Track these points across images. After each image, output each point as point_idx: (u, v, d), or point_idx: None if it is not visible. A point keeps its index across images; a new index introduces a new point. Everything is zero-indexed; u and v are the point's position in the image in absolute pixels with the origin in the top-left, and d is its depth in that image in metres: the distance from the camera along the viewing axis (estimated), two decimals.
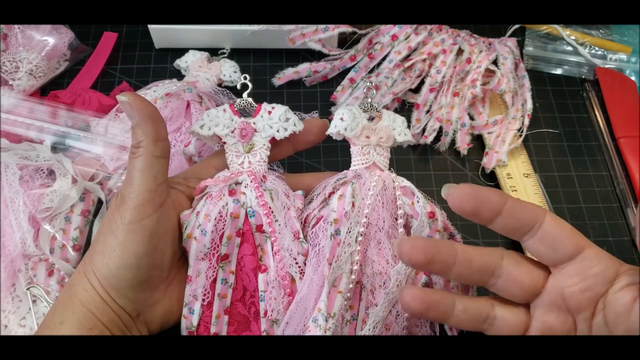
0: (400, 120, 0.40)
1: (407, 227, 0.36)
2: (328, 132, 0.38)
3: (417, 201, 0.36)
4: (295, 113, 0.49)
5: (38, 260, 0.41)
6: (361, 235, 0.35)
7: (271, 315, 0.34)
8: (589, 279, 0.30)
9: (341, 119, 0.37)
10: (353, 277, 0.34)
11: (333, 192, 0.36)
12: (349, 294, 0.34)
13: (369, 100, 0.41)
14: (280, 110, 0.37)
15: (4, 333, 0.39)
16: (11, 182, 0.41)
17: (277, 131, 0.37)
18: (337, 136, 0.38)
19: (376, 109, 0.40)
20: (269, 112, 0.37)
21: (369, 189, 0.36)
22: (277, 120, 0.37)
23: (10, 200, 0.41)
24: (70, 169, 0.43)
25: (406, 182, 0.37)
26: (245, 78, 0.39)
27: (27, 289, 0.40)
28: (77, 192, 0.43)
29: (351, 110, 0.38)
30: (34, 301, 0.40)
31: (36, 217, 0.41)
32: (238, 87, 0.39)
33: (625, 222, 0.48)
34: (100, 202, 0.44)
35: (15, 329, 0.39)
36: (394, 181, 0.37)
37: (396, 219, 0.36)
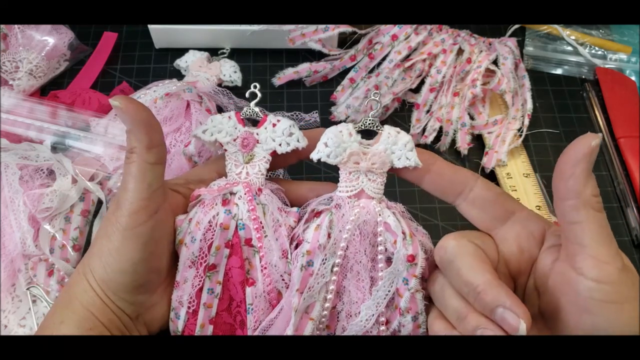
0: (403, 142, 0.34)
1: (389, 261, 0.34)
2: (311, 157, 0.35)
3: (402, 239, 0.33)
4: (295, 113, 0.49)
5: (38, 260, 0.41)
6: (337, 266, 0.33)
7: (256, 326, 0.34)
8: (522, 239, 0.32)
9: (325, 144, 0.34)
10: (327, 305, 0.33)
11: (318, 214, 0.35)
12: (323, 319, 0.34)
13: (370, 116, 0.36)
14: (285, 124, 0.36)
15: (4, 333, 0.39)
16: (11, 182, 0.41)
17: (280, 145, 0.36)
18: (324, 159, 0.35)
19: (377, 126, 0.36)
20: (274, 125, 0.36)
21: (347, 222, 0.34)
22: (280, 134, 0.36)
23: (10, 200, 0.41)
24: (70, 169, 0.43)
25: (391, 219, 0.34)
26: (255, 87, 0.38)
27: (27, 289, 0.40)
28: (77, 192, 0.43)
29: (340, 133, 0.34)
30: (33, 301, 0.40)
31: (36, 217, 0.41)
32: (247, 95, 0.38)
33: (625, 222, 0.48)
34: (100, 202, 0.44)
35: (15, 329, 0.39)
36: (379, 215, 0.34)
37: (378, 254, 0.34)
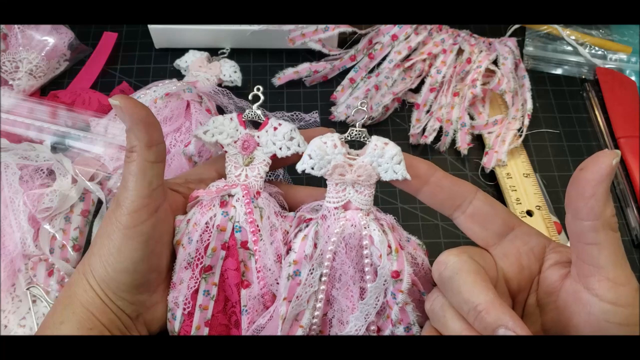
0: (391, 154, 0.33)
1: (376, 274, 0.34)
2: (296, 168, 0.34)
3: (387, 254, 0.32)
4: (295, 113, 0.49)
5: (38, 260, 0.41)
6: (325, 275, 0.33)
7: (249, 327, 0.34)
8: (523, 255, 0.31)
9: (309, 155, 0.33)
10: (317, 313, 0.34)
11: (307, 221, 0.35)
12: (314, 327, 0.34)
13: (356, 127, 0.35)
14: (286, 128, 0.36)
15: (4, 333, 0.39)
16: (11, 182, 0.41)
17: (280, 149, 0.36)
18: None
19: (363, 137, 0.34)
20: (275, 128, 0.36)
21: (332, 234, 0.33)
22: (281, 138, 0.36)
23: (10, 200, 0.41)
24: (70, 169, 0.43)
25: (376, 233, 0.32)
26: (258, 89, 0.38)
27: (27, 289, 0.40)
28: (77, 192, 0.43)
29: (324, 145, 0.33)
30: (33, 301, 0.40)
31: (36, 217, 0.41)
32: (250, 97, 0.38)
33: (625, 222, 0.48)
34: (100, 202, 0.44)
35: (15, 329, 0.39)
36: (364, 228, 0.33)
37: (365, 266, 0.34)
